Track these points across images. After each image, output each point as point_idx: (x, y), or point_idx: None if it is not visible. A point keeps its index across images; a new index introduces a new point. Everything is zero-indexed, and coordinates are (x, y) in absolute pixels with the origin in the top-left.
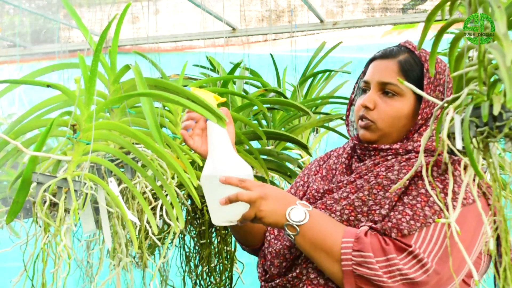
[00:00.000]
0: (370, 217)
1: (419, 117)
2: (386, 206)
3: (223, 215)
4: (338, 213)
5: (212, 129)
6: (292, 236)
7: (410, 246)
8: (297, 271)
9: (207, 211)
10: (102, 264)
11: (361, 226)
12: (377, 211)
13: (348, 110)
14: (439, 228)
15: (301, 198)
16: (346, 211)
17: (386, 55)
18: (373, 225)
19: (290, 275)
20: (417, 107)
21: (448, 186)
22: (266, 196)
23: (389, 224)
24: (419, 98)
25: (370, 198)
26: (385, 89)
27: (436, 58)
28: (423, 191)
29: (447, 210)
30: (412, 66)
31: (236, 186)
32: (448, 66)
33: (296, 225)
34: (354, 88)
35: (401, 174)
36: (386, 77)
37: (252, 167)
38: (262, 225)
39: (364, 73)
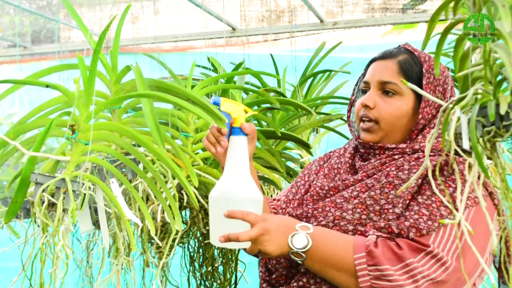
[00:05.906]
0: (383, 216)
1: (420, 116)
2: (400, 205)
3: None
4: (350, 212)
5: (233, 146)
6: (300, 262)
7: (428, 246)
8: (304, 280)
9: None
10: (104, 264)
11: (367, 234)
12: (391, 210)
13: (349, 111)
14: (456, 227)
15: (303, 196)
16: (358, 210)
17: (385, 55)
18: (381, 233)
19: (295, 284)
20: (416, 106)
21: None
22: (268, 231)
23: (406, 223)
24: (418, 98)
25: (382, 197)
26: (385, 88)
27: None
28: (437, 190)
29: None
30: (412, 66)
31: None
32: (447, 66)
33: (301, 252)
34: (354, 89)
35: (411, 173)
36: (386, 77)
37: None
38: None
39: (364, 74)
